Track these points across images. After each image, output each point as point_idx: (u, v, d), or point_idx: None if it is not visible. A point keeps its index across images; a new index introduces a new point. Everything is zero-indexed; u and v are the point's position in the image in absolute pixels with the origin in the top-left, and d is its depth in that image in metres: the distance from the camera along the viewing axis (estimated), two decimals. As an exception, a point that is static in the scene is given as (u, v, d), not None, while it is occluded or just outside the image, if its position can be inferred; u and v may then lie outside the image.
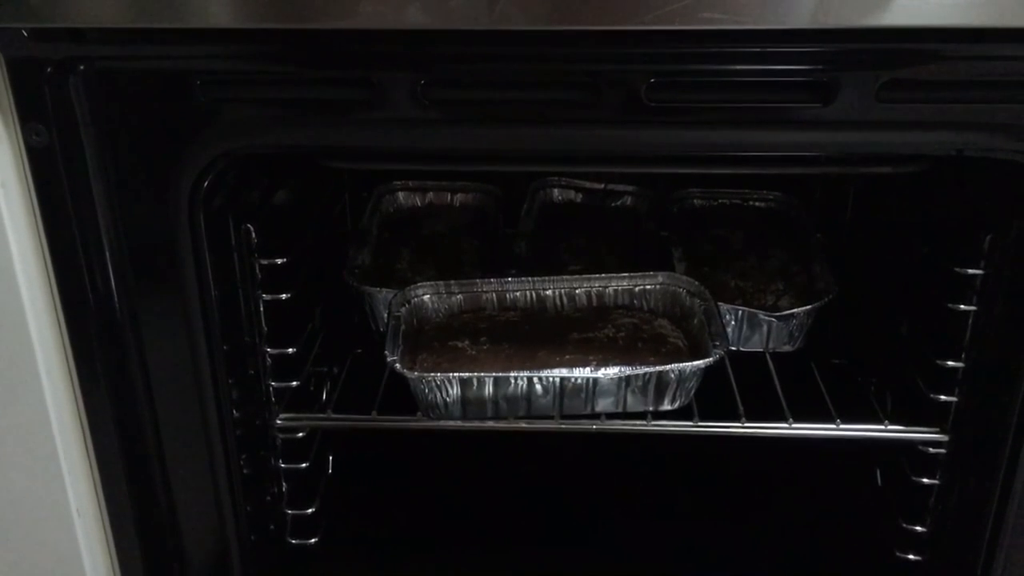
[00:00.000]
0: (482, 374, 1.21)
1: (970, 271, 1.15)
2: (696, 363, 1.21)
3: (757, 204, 1.65)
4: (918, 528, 1.31)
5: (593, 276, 1.39)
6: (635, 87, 0.96)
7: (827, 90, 0.95)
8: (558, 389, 1.23)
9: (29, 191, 1.01)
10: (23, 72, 0.95)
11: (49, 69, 0.95)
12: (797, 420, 1.27)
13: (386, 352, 1.22)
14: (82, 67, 0.96)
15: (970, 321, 1.17)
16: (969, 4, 0.87)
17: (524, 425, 1.26)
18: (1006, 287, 1.11)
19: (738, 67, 0.95)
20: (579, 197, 1.70)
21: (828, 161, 1.19)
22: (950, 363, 1.19)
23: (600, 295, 1.38)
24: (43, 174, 1.00)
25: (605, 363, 1.23)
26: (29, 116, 0.97)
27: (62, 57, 0.95)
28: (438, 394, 1.22)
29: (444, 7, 0.88)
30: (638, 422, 1.26)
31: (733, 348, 1.37)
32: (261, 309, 1.24)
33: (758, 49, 0.93)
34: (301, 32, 0.94)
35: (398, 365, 1.21)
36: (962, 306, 1.17)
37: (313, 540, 1.41)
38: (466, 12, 0.89)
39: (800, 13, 0.87)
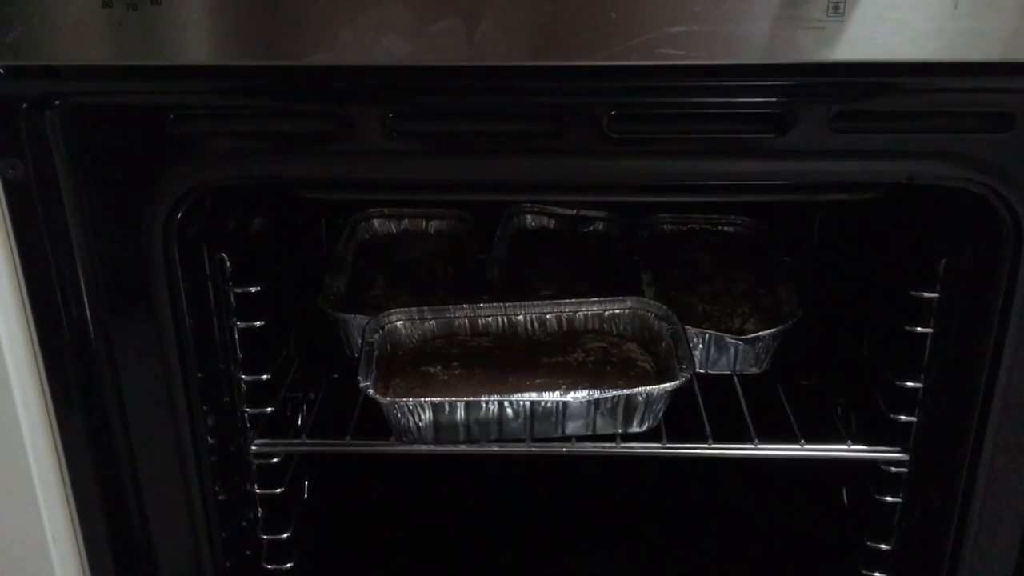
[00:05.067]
0: (454, 399, 1.23)
1: (926, 294, 1.18)
2: (663, 386, 1.24)
3: (726, 229, 1.68)
4: (883, 546, 1.33)
5: (563, 301, 1.41)
6: (597, 119, 0.99)
7: (781, 121, 0.98)
8: (528, 413, 1.25)
9: (5, 224, 1.02)
10: (-1, 108, 0.98)
11: (25, 105, 0.97)
12: (763, 441, 1.29)
13: (359, 377, 1.24)
14: (57, 103, 0.98)
15: (928, 343, 1.20)
16: (917, 39, 0.90)
17: (496, 449, 1.28)
18: (961, 309, 1.14)
19: (695, 99, 0.98)
20: (552, 223, 1.73)
21: (786, 188, 1.22)
22: (909, 384, 1.23)
23: (570, 320, 1.41)
24: (19, 207, 1.02)
25: (575, 387, 1.25)
26: (5, 151, 0.99)
27: (38, 93, 0.97)
28: (411, 419, 1.24)
29: (413, 42, 0.91)
30: (608, 444, 1.28)
31: (701, 371, 1.39)
32: (235, 336, 1.26)
33: (713, 83, 0.96)
34: (272, 68, 0.97)
35: (371, 391, 1.23)
36: (919, 328, 1.20)
37: (288, 565, 1.42)
38: (436, 47, 0.92)
39: (752, 48, 0.90)
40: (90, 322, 1.09)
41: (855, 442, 1.30)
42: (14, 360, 1.08)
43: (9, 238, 1.03)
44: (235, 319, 1.25)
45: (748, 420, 1.32)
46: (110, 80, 0.98)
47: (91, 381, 1.12)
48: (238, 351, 1.27)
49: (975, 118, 0.99)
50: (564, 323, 1.41)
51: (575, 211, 1.71)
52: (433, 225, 1.73)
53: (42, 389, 1.12)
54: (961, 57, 0.92)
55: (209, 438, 1.21)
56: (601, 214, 1.71)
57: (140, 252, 1.06)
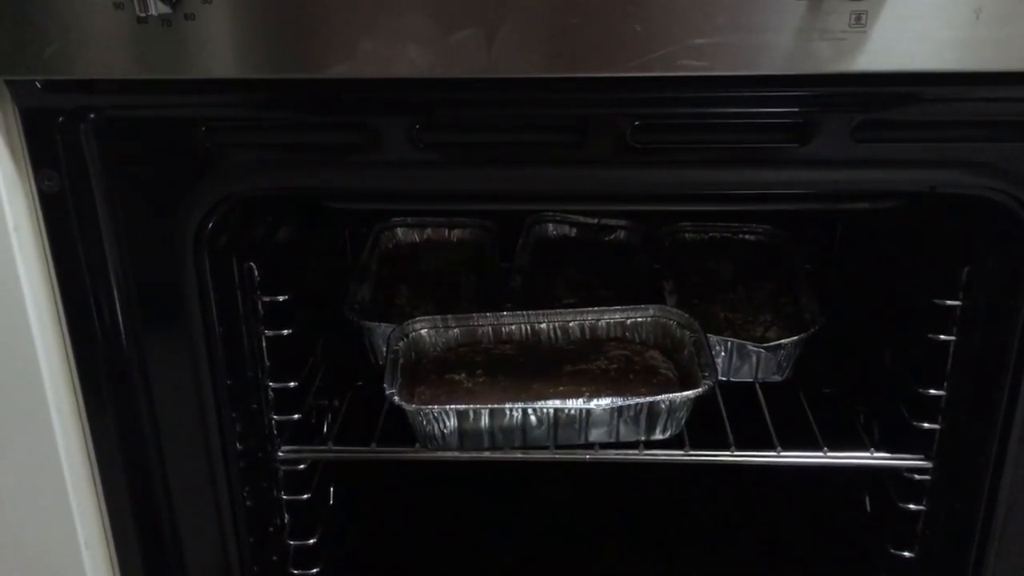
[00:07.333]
0: (478, 406, 1.24)
1: (949, 302, 1.18)
2: (686, 394, 1.24)
3: (747, 237, 1.69)
4: (906, 554, 1.33)
5: (586, 309, 1.42)
6: (620, 130, 1.00)
7: (804, 131, 0.99)
8: (552, 420, 1.26)
9: (41, 234, 1.05)
10: (36, 121, 1.00)
11: (61, 118, 1.00)
12: (786, 448, 1.29)
13: (385, 385, 1.26)
14: (92, 116, 1.00)
15: (951, 351, 1.20)
16: (939, 49, 0.91)
17: (520, 455, 1.29)
18: (984, 317, 1.15)
19: (716, 110, 0.99)
20: (573, 231, 1.74)
21: (807, 197, 1.23)
22: (932, 391, 1.22)
23: (593, 328, 1.42)
24: (55, 218, 1.04)
25: (598, 394, 1.26)
26: (41, 163, 1.01)
27: (73, 107, 1.00)
28: (435, 426, 1.25)
29: (434, 54, 0.93)
30: (630, 451, 1.29)
31: (723, 378, 1.40)
32: (263, 344, 1.28)
33: (734, 94, 0.97)
34: (299, 81, 0.99)
35: (396, 398, 1.24)
36: (942, 336, 1.20)
37: (315, 570, 1.43)
38: (457, 59, 0.93)
39: (775, 60, 0.91)
40: (123, 330, 1.11)
41: (878, 450, 1.30)
42: (49, 367, 1.10)
43: (45, 247, 1.06)
44: (263, 327, 1.27)
45: (771, 427, 1.33)
46: (143, 94, 0.99)
47: (123, 388, 1.14)
48: (266, 359, 1.28)
49: (997, 127, 0.99)
50: (587, 331, 1.42)
51: (597, 220, 1.73)
52: (456, 234, 1.75)
53: (75, 396, 1.14)
54: (983, 67, 0.92)
55: (237, 444, 1.22)
56: (623, 223, 1.72)
57: (172, 261, 1.08)
